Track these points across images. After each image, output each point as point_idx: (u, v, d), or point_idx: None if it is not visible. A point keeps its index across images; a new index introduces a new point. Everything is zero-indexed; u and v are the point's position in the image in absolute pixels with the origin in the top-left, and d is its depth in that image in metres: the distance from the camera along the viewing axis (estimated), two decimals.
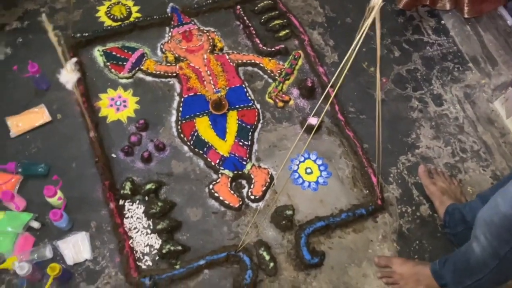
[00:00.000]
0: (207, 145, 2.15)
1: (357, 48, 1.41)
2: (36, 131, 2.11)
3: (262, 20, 2.55)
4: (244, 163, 2.12)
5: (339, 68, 1.44)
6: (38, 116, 2.11)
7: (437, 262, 1.79)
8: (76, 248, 1.85)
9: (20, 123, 2.08)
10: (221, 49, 2.44)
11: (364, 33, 1.42)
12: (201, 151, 2.13)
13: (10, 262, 1.72)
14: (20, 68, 2.13)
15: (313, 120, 2.22)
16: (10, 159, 2.01)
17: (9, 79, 2.22)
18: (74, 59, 1.60)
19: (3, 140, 2.07)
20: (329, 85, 1.73)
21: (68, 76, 1.55)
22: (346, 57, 1.40)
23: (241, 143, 2.17)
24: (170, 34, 2.45)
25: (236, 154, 2.13)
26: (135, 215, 1.96)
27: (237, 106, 2.27)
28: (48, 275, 1.74)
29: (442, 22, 2.76)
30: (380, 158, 1.97)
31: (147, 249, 1.90)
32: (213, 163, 2.11)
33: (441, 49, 2.66)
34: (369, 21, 1.42)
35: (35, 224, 1.88)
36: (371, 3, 1.40)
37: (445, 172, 2.20)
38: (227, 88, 2.31)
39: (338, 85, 1.60)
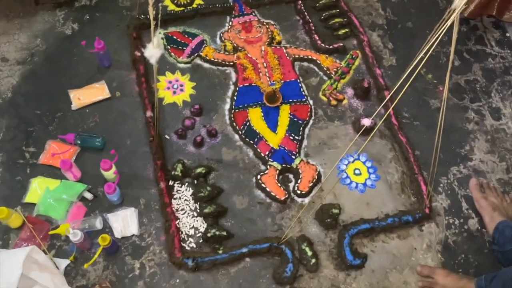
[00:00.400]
0: (258, 136, 2.16)
1: (430, 52, 1.38)
2: (96, 106, 2.18)
3: (322, 17, 2.54)
4: (293, 157, 2.12)
5: (406, 74, 1.41)
6: (98, 91, 2.18)
7: (483, 278, 1.75)
8: (125, 222, 1.90)
9: (81, 97, 2.15)
10: (279, 43, 2.45)
11: (440, 37, 1.39)
12: (251, 141, 2.15)
13: (64, 228, 1.78)
14: (87, 44, 2.19)
15: (366, 121, 2.20)
16: (70, 130, 2.09)
17: (75, 53, 2.30)
18: (160, 34, 1.62)
19: (65, 112, 2.15)
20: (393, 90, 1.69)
21: (153, 51, 1.58)
22: (415, 62, 1.37)
23: (291, 137, 2.17)
24: (230, 23, 2.47)
25: (286, 148, 2.14)
26: (183, 197, 1.99)
27: (291, 100, 2.27)
28: (97, 245, 1.80)
29: (507, 34, 2.67)
30: (434, 167, 1.93)
31: (192, 231, 1.93)
32: (262, 154, 2.12)
33: (504, 62, 2.58)
34: (448, 23, 1.39)
35: (88, 195, 1.95)
36: (452, 5, 1.37)
37: (498, 188, 2.14)
38: (282, 81, 2.32)
39: (403, 90, 1.56)
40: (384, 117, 1.64)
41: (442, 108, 1.67)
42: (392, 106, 1.67)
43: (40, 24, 2.37)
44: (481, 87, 2.48)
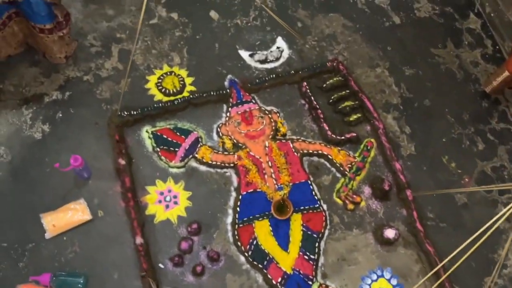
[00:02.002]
0: (268, 257, 1.86)
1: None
2: (75, 231, 1.84)
3: (331, 101, 2.24)
4: (310, 282, 1.83)
5: None
6: (77, 213, 1.84)
7: None
8: None
9: (56, 222, 1.81)
10: (284, 135, 2.15)
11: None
12: (260, 265, 1.85)
13: None
14: (61, 158, 1.85)
15: (390, 233, 1.93)
16: (45, 266, 1.75)
17: (47, 163, 1.94)
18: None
19: (38, 242, 1.81)
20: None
21: None
22: None
23: (306, 257, 1.88)
24: (228, 114, 2.15)
25: (301, 271, 1.85)
26: None
27: (302, 207, 1.98)
28: None
29: None
30: None
31: None
32: (274, 281, 1.82)
33: None
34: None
35: None
36: None
37: None
38: (291, 184, 2.02)
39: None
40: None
41: None
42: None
43: (3, 127, 2.00)
44: (509, 175, 2.23)
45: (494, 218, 1.43)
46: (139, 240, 1.81)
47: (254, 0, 2.43)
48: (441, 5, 2.65)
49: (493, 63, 2.52)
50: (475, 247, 1.54)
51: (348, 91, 2.28)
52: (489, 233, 1.42)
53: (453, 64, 2.48)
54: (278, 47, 2.36)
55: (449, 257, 1.64)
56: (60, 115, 2.05)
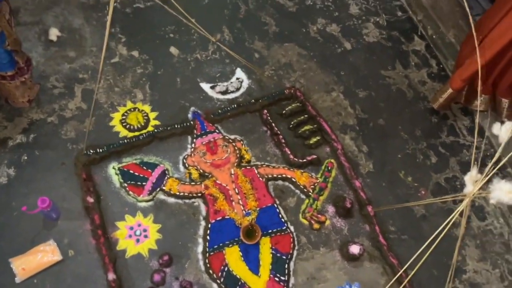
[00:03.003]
0: (240, 283, 1.91)
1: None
2: (45, 273, 1.84)
3: (291, 126, 2.35)
4: None
5: None
6: (47, 254, 1.85)
7: None
8: None
9: (26, 266, 1.81)
10: (249, 161, 2.23)
11: (451, 221, 1.22)
12: None
13: None
14: (28, 201, 1.87)
15: (355, 249, 2.02)
16: None
17: (14, 207, 1.94)
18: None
19: (8, 287, 1.79)
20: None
21: None
22: None
23: (277, 279, 1.94)
24: (193, 145, 2.22)
25: None
26: None
27: (270, 231, 2.05)
28: None
29: (476, 120, 2.60)
30: None
31: None
32: None
33: (478, 153, 2.50)
34: (459, 209, 1.22)
35: None
36: (464, 190, 1.21)
37: None
38: (258, 209, 2.09)
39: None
40: None
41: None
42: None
43: None
44: (461, 184, 2.37)
45: (443, 225, 1.54)
46: (111, 276, 1.83)
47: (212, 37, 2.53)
48: (388, 30, 2.83)
49: (439, 81, 2.70)
50: (429, 252, 1.64)
51: (306, 115, 2.39)
52: (440, 237, 1.51)
53: (402, 84, 2.64)
54: (237, 78, 2.46)
55: (407, 264, 1.74)
56: (26, 158, 2.06)
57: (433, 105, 2.50)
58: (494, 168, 1.20)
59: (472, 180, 1.22)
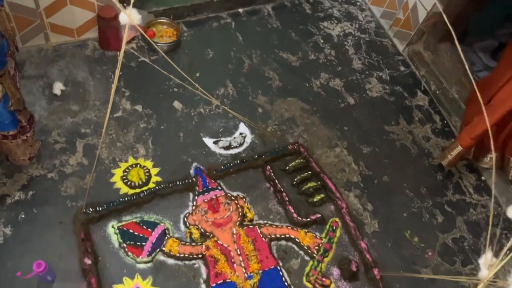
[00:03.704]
0: None
1: None
2: None
3: (295, 182, 2.32)
4: None
5: None
6: None
7: None
8: None
9: None
10: (251, 220, 2.18)
11: None
12: None
13: None
14: (24, 261, 1.81)
15: None
16: None
17: (9, 268, 1.88)
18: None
19: None
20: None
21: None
22: None
23: None
24: (194, 203, 2.18)
25: None
26: None
27: None
28: None
29: (483, 178, 2.59)
30: None
31: None
32: None
33: (486, 212, 2.46)
34: None
35: None
36: (479, 274, 1.16)
37: None
38: (260, 271, 2.02)
39: None
40: None
41: None
42: None
43: None
44: (469, 245, 2.33)
45: None
46: None
47: (215, 93, 2.55)
48: (391, 85, 2.86)
49: (443, 136, 2.69)
50: None
51: (310, 172, 2.36)
52: None
53: (407, 140, 2.64)
54: (241, 133, 2.45)
55: None
56: (23, 216, 2.01)
57: (441, 161, 2.48)
58: (510, 253, 1.17)
59: (486, 264, 1.18)
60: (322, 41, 2.98)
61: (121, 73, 2.51)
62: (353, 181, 2.42)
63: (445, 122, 2.77)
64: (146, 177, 2.21)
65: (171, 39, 2.70)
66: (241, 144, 2.42)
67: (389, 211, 2.35)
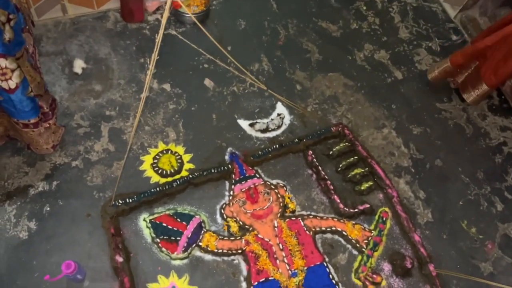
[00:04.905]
0: None
1: None
2: None
3: (340, 169, 2.13)
4: None
5: None
6: None
7: None
8: None
9: None
10: (294, 211, 2.01)
11: None
12: None
13: None
14: (51, 259, 1.69)
15: None
16: None
17: (35, 267, 1.75)
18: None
19: None
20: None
21: None
22: None
23: None
24: (231, 192, 2.01)
25: None
26: None
27: None
28: None
29: None
30: None
31: None
32: None
33: None
34: None
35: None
36: None
37: None
38: (305, 268, 1.87)
39: None
40: None
41: None
42: None
43: None
44: None
45: None
46: None
47: (249, 69, 2.34)
48: (442, 56, 2.59)
49: (500, 114, 2.45)
50: None
51: (356, 157, 2.17)
52: None
53: (460, 119, 2.40)
54: (279, 114, 2.25)
55: None
56: (48, 208, 1.87)
57: (428, 76, 2.41)
58: None
59: None
60: (364, 7, 2.71)
61: (145, 47, 2.31)
62: (403, 166, 2.22)
63: (502, 97, 2.51)
64: (178, 164, 2.04)
65: (199, 9, 2.46)
66: (279, 127, 2.23)
67: (443, 199, 2.16)
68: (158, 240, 1.86)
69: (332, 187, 2.07)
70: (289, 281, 1.83)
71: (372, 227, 2.02)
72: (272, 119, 2.24)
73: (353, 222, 2.01)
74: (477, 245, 2.07)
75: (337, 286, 1.87)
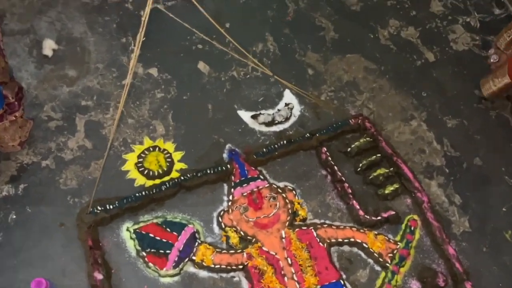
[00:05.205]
0: None
1: None
2: None
3: (359, 169, 2.18)
4: None
5: None
6: None
7: None
8: None
9: None
10: (305, 219, 2.06)
11: None
12: None
13: None
14: (19, 276, 1.74)
15: None
16: None
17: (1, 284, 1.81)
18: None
19: None
20: None
21: None
22: None
23: None
24: (231, 197, 2.06)
25: None
26: None
27: None
28: None
29: None
30: None
31: None
32: None
33: None
34: None
35: None
36: None
37: None
38: (319, 287, 1.92)
39: None
40: None
41: None
42: None
43: None
44: None
45: None
46: None
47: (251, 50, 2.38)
48: (482, 34, 2.65)
49: None
50: None
51: (379, 155, 2.23)
52: None
53: (504, 109, 2.46)
54: (286, 104, 2.32)
55: None
56: (14, 217, 1.94)
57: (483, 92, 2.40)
58: None
59: None
60: None
61: (128, 24, 2.35)
62: (436, 165, 2.28)
63: None
64: (168, 163, 2.11)
65: None
66: (287, 119, 2.29)
67: (483, 205, 2.22)
68: (144, 253, 1.92)
69: (350, 191, 2.13)
70: None
71: (398, 238, 2.08)
72: (278, 110, 2.30)
73: (376, 232, 2.07)
74: None
75: None
